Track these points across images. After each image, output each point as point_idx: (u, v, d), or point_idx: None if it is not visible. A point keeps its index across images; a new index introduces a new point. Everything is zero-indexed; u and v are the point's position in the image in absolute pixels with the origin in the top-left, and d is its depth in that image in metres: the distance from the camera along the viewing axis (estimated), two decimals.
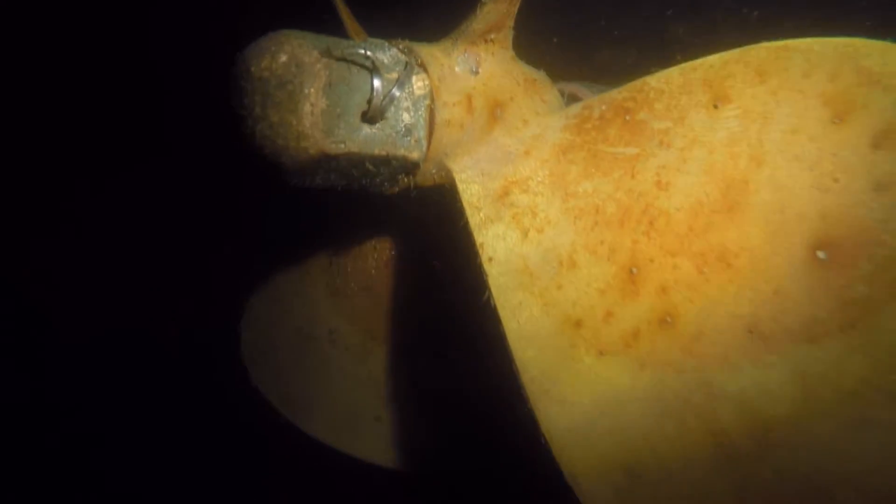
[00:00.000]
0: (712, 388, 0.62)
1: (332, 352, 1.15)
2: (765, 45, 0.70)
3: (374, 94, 0.66)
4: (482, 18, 0.74)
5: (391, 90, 0.67)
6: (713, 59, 0.72)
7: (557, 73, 1.14)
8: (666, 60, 1.49)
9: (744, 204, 0.65)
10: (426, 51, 0.74)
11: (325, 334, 1.14)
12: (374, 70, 0.66)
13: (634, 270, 0.68)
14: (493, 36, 0.78)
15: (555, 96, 0.91)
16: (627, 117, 0.75)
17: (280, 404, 1.23)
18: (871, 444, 0.56)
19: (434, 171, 0.76)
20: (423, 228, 0.92)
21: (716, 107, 0.70)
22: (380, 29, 0.90)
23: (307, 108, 0.61)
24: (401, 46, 0.73)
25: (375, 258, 1.02)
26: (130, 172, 1.37)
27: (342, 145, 0.64)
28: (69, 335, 1.35)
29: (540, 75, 0.90)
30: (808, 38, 0.66)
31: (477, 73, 0.77)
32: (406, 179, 0.76)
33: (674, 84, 0.74)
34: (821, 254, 0.59)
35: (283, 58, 0.61)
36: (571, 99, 1.01)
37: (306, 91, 0.61)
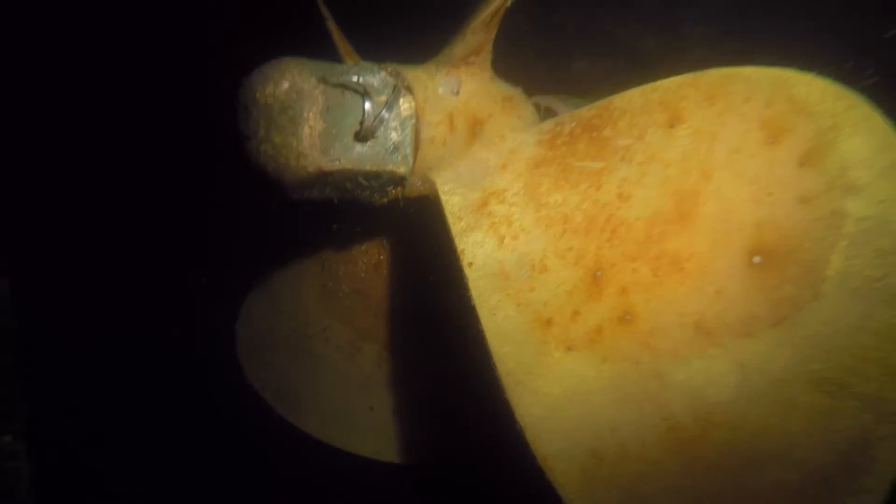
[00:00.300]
0: (665, 378, 0.71)
1: (325, 350, 1.22)
2: (714, 70, 0.78)
3: (366, 116, 0.73)
4: (462, 45, 0.82)
5: (381, 112, 0.75)
6: (669, 81, 0.81)
7: (537, 80, 1.22)
8: (637, 70, 1.60)
9: (693, 214, 0.73)
10: (412, 74, 0.81)
11: (317, 334, 1.21)
12: (365, 94, 0.73)
13: (598, 274, 0.76)
14: (472, 59, 0.86)
15: (530, 112, 0.99)
16: (594, 134, 0.83)
17: (275, 401, 1.30)
18: (794, 423, 0.64)
19: (419, 183, 0.83)
20: (410, 233, 1.00)
21: (671, 126, 0.78)
22: (368, 45, 0.98)
23: (306, 130, 0.68)
24: (389, 70, 0.80)
25: (365, 262, 1.09)
26: (131, 173, 1.42)
27: (337, 163, 0.72)
28: (68, 335, 1.40)
29: (516, 92, 0.98)
30: (750, 67, 0.75)
31: (458, 93, 0.85)
32: (394, 191, 0.84)
33: (635, 104, 0.82)
34: (756, 258, 0.68)
35: (285, 85, 0.68)
36: (547, 112, 1.10)
37: (306, 115, 0.68)
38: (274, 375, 1.31)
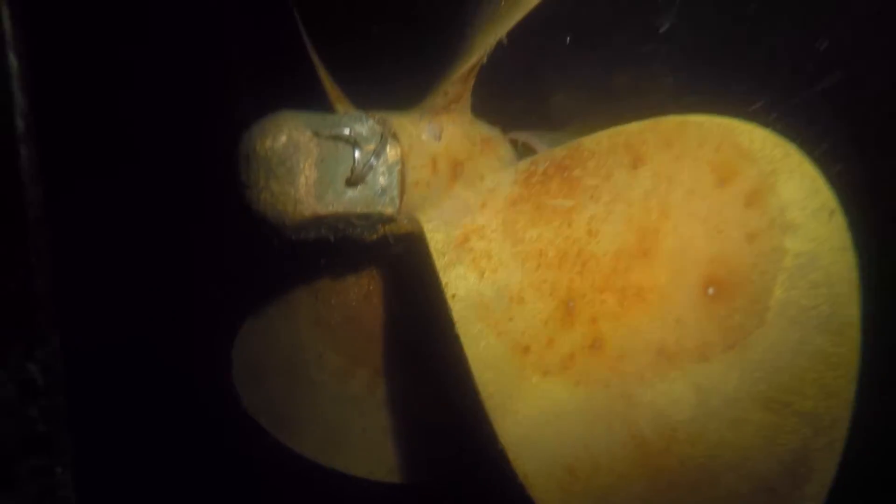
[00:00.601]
0: (632, 399, 0.78)
1: (319, 375, 1.28)
2: (671, 117, 0.86)
3: (356, 163, 0.80)
4: (443, 97, 0.89)
5: (370, 160, 0.82)
6: (633, 126, 0.88)
7: (517, 112, 1.30)
8: (610, 103, 1.70)
9: (654, 249, 0.81)
10: (397, 122, 0.89)
11: (311, 359, 1.28)
12: (355, 144, 0.81)
13: (570, 304, 0.83)
14: (453, 107, 0.94)
15: (507, 151, 1.07)
16: (565, 174, 0.91)
17: (271, 425, 1.36)
18: (746, 438, 0.71)
19: (406, 221, 0.91)
20: (399, 265, 1.07)
21: (634, 167, 0.86)
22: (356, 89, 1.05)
23: (302, 179, 0.75)
24: (377, 118, 0.88)
25: (356, 292, 1.16)
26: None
27: (331, 207, 0.79)
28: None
29: (494, 133, 1.06)
30: (701, 115, 0.83)
31: (440, 138, 0.93)
32: (383, 228, 0.91)
33: (603, 146, 0.89)
34: (710, 290, 0.76)
35: (283, 139, 0.75)
36: (525, 147, 1.18)
37: (302, 166, 0.75)
38: (270, 400, 1.37)
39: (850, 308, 0.69)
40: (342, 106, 1.00)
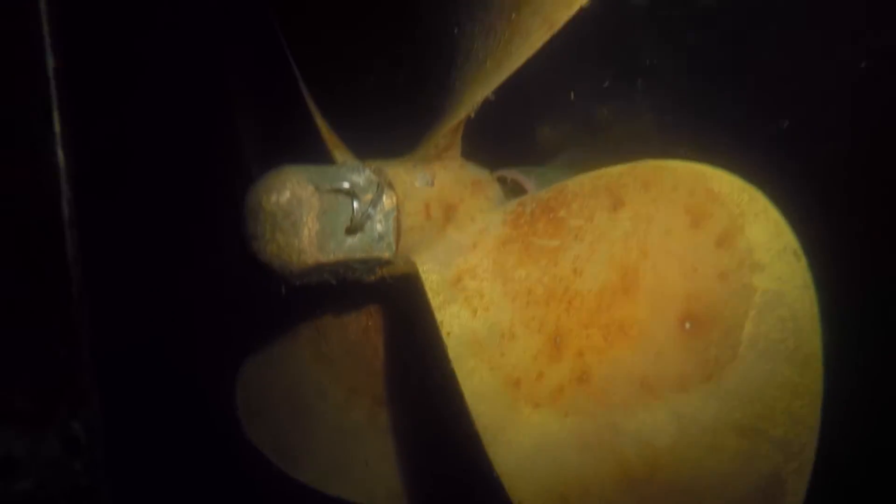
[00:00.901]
0: (617, 428, 0.83)
1: (320, 405, 1.33)
2: (648, 161, 0.92)
3: (355, 214, 0.86)
4: (434, 147, 0.96)
5: (367, 209, 0.88)
6: (613, 169, 0.94)
7: (505, 144, 1.36)
8: (594, 135, 1.77)
9: (635, 287, 0.86)
10: (392, 171, 0.95)
11: (313, 391, 1.32)
12: (353, 196, 0.86)
13: (558, 340, 0.88)
14: (444, 154, 1.00)
15: (496, 191, 1.13)
16: (551, 215, 0.96)
17: (274, 455, 1.40)
18: (723, 463, 0.77)
19: (403, 263, 0.96)
20: (396, 302, 1.12)
21: (615, 209, 0.91)
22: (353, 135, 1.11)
23: (306, 232, 0.81)
24: (373, 168, 0.94)
25: (355, 327, 1.21)
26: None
27: (332, 255, 0.85)
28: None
29: (484, 174, 1.12)
30: (676, 160, 0.89)
31: (432, 184, 0.99)
32: (381, 271, 0.96)
33: (585, 188, 0.95)
34: (687, 325, 0.81)
35: (287, 195, 0.81)
36: (513, 184, 1.24)
37: (305, 219, 0.81)
38: (273, 430, 1.42)
39: (812, 341, 0.74)
40: (339, 153, 1.06)
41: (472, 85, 0.90)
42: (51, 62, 0.44)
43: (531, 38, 0.79)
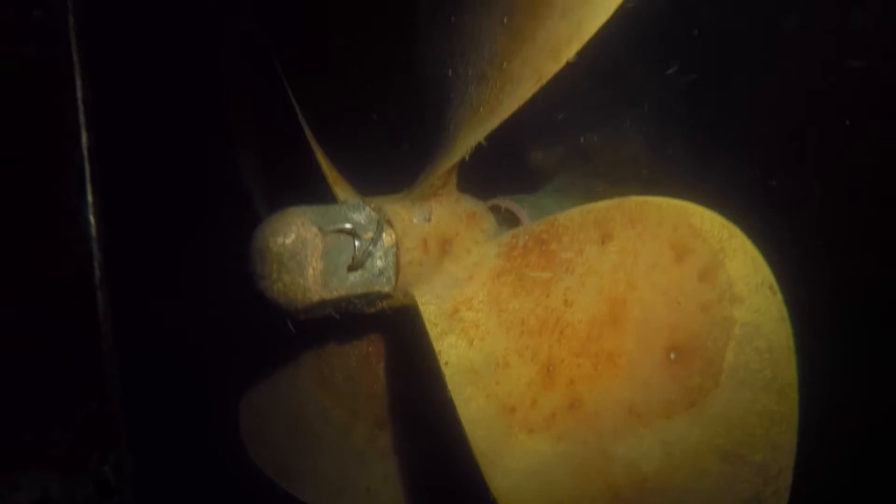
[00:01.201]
0: (607, 453, 0.88)
1: (322, 428, 1.37)
2: (634, 197, 0.96)
3: (356, 252, 0.91)
4: (429, 186, 1.00)
5: (368, 247, 0.92)
6: (601, 204, 0.99)
7: (497, 169, 1.41)
8: (584, 161, 1.82)
9: (623, 318, 0.91)
10: (391, 209, 1.00)
11: (315, 414, 1.37)
12: (355, 235, 0.91)
13: (551, 368, 0.93)
14: (440, 191, 1.05)
15: (490, 223, 1.17)
16: (543, 247, 1.01)
17: (276, 476, 1.44)
18: (707, 487, 0.81)
19: (402, 296, 1.01)
20: (395, 331, 1.17)
21: (603, 243, 0.96)
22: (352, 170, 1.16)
23: (310, 271, 0.86)
24: (373, 206, 0.99)
25: (356, 353, 1.25)
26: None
27: (335, 292, 0.89)
28: None
29: (479, 206, 1.17)
30: (660, 198, 0.94)
31: (429, 219, 1.04)
32: (381, 303, 1.01)
33: (575, 222, 1.00)
34: (672, 355, 0.86)
35: (292, 237, 0.85)
36: (507, 213, 1.29)
37: (309, 259, 0.86)
38: (275, 451, 1.46)
39: (788, 371, 0.79)
40: (340, 189, 1.11)
41: (465, 128, 0.95)
42: (85, 139, 0.48)
43: (521, 88, 0.84)
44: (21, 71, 0.48)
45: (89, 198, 0.50)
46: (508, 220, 1.28)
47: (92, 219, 0.50)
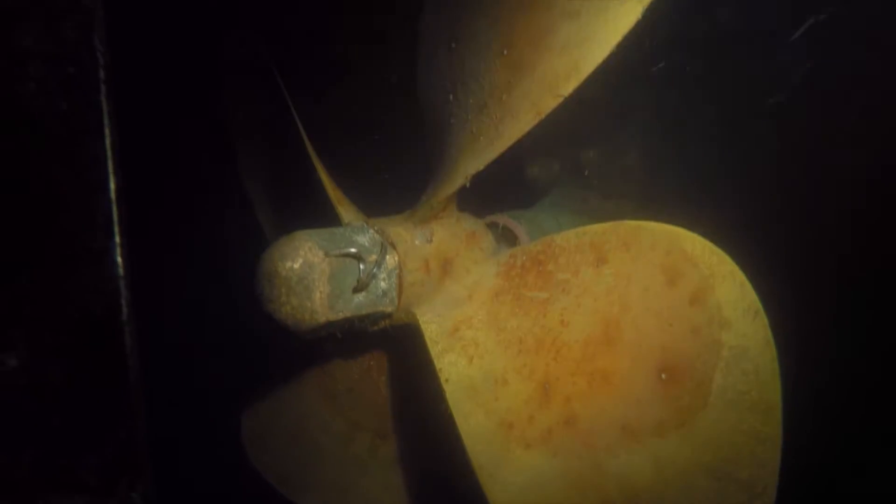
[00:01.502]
0: (601, 468, 0.92)
1: (323, 438, 1.40)
2: (628, 222, 1.00)
3: (361, 274, 0.94)
4: (430, 209, 1.04)
5: (372, 270, 0.96)
6: (596, 227, 1.02)
7: (494, 184, 1.45)
8: (579, 175, 1.86)
9: (617, 339, 0.95)
10: (394, 231, 1.03)
11: (316, 424, 1.40)
12: (360, 259, 0.95)
13: (547, 386, 0.97)
14: (441, 214, 1.09)
15: (489, 241, 1.21)
16: (540, 268, 1.05)
17: (278, 483, 1.48)
18: (695, 501, 0.86)
19: (404, 315, 1.04)
20: (397, 348, 1.20)
21: (598, 265, 1.00)
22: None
23: (317, 294, 0.89)
24: (376, 228, 1.02)
25: (358, 367, 1.29)
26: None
27: (341, 314, 0.93)
28: None
29: (478, 225, 1.20)
30: (653, 223, 0.98)
31: (431, 241, 1.07)
32: (384, 322, 1.05)
33: (571, 244, 1.03)
34: (663, 375, 0.90)
35: (300, 261, 0.89)
36: (505, 230, 1.32)
37: (316, 282, 0.89)
38: (277, 460, 1.49)
39: (773, 393, 0.83)
40: (344, 209, 1.14)
41: (465, 155, 0.98)
42: (112, 185, 0.51)
43: (519, 121, 0.87)
44: (57, 123, 0.51)
45: (117, 239, 0.54)
46: (506, 237, 1.32)
47: (119, 259, 0.54)
